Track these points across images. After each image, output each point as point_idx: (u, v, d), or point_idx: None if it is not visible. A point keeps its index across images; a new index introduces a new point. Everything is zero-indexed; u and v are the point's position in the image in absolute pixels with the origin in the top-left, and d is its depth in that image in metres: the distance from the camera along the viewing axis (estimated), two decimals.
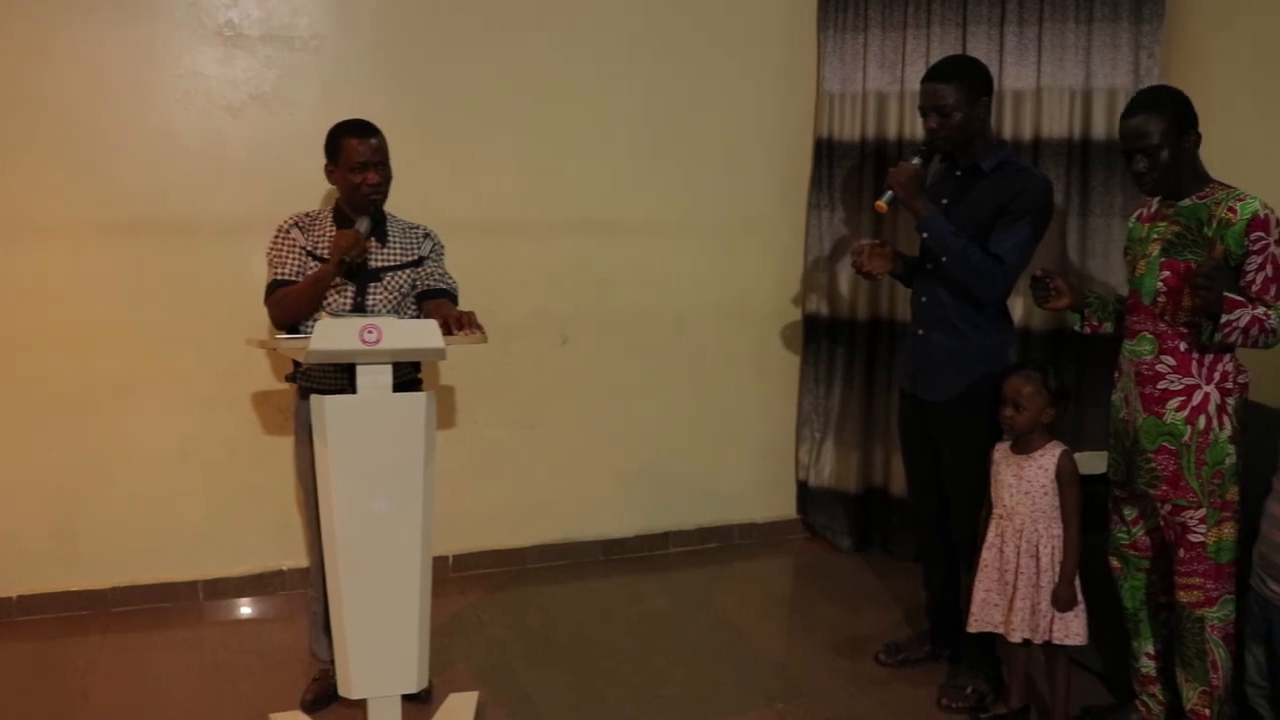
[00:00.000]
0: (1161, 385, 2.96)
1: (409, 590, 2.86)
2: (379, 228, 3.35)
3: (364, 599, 2.83)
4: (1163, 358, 2.96)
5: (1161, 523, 3.04)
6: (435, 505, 2.94)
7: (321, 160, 3.35)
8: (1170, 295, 2.94)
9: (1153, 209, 3.07)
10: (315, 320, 3.15)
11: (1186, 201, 2.94)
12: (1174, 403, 2.93)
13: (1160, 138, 2.86)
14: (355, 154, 3.25)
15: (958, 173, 3.45)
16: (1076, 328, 3.27)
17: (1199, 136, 2.92)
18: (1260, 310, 2.78)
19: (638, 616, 4.20)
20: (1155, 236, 3.00)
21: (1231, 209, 2.83)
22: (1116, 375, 3.13)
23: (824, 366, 4.84)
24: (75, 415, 4.04)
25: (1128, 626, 3.25)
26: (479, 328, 3.03)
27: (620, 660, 3.81)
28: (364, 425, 2.81)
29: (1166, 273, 2.95)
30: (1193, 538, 2.95)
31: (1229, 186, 2.91)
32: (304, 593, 3.83)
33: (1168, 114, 2.87)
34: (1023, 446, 3.24)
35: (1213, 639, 2.97)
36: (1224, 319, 2.76)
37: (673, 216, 4.69)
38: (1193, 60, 4.07)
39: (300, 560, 4.25)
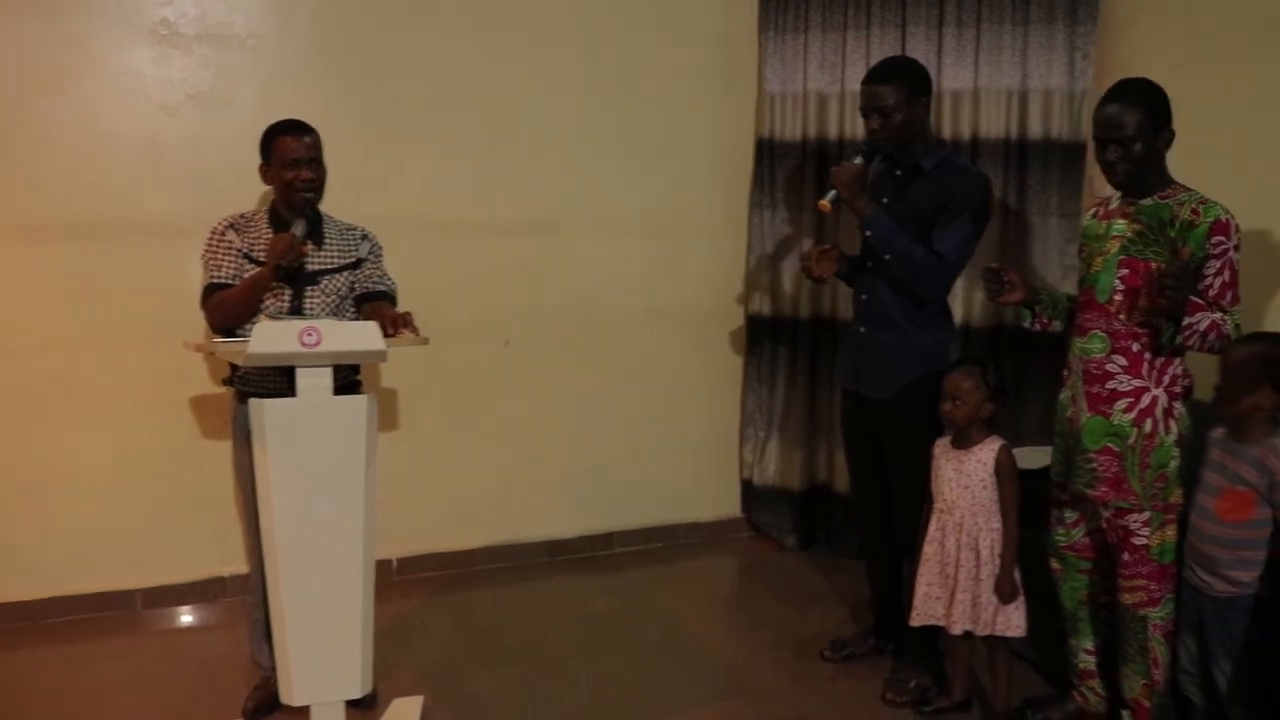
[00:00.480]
0: (1110, 385, 2.96)
1: (351, 594, 2.83)
2: (315, 230, 3.32)
3: (305, 604, 2.80)
4: (1114, 357, 2.96)
5: (1104, 525, 3.06)
6: (377, 508, 2.92)
7: (258, 158, 3.31)
8: (1127, 294, 2.93)
9: (1110, 206, 3.06)
10: (253, 323, 3.12)
11: (1148, 200, 2.93)
12: (1121, 404, 2.95)
13: (1135, 130, 2.84)
14: (288, 151, 3.23)
15: (898, 172, 3.47)
16: (1026, 324, 3.28)
17: (1172, 135, 2.90)
18: (1218, 315, 2.79)
19: (584, 617, 4.20)
20: (1114, 234, 2.99)
21: (1195, 211, 2.83)
22: (1065, 373, 3.14)
23: (767, 365, 4.86)
24: (7, 422, 3.96)
25: (1065, 625, 3.29)
26: (415, 329, 3.03)
27: (567, 661, 3.80)
28: (304, 429, 2.79)
29: (1125, 271, 2.94)
30: (1136, 540, 2.97)
31: (1190, 189, 2.91)
32: (244, 599, 3.78)
33: (1146, 106, 2.85)
34: (962, 441, 3.27)
35: (1155, 638, 3.01)
36: (1186, 321, 2.76)
37: (616, 216, 4.69)
38: (1126, 62, 4.13)
39: (240, 566, 4.18)
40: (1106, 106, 2.88)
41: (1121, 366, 2.94)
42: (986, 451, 3.23)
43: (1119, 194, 3.03)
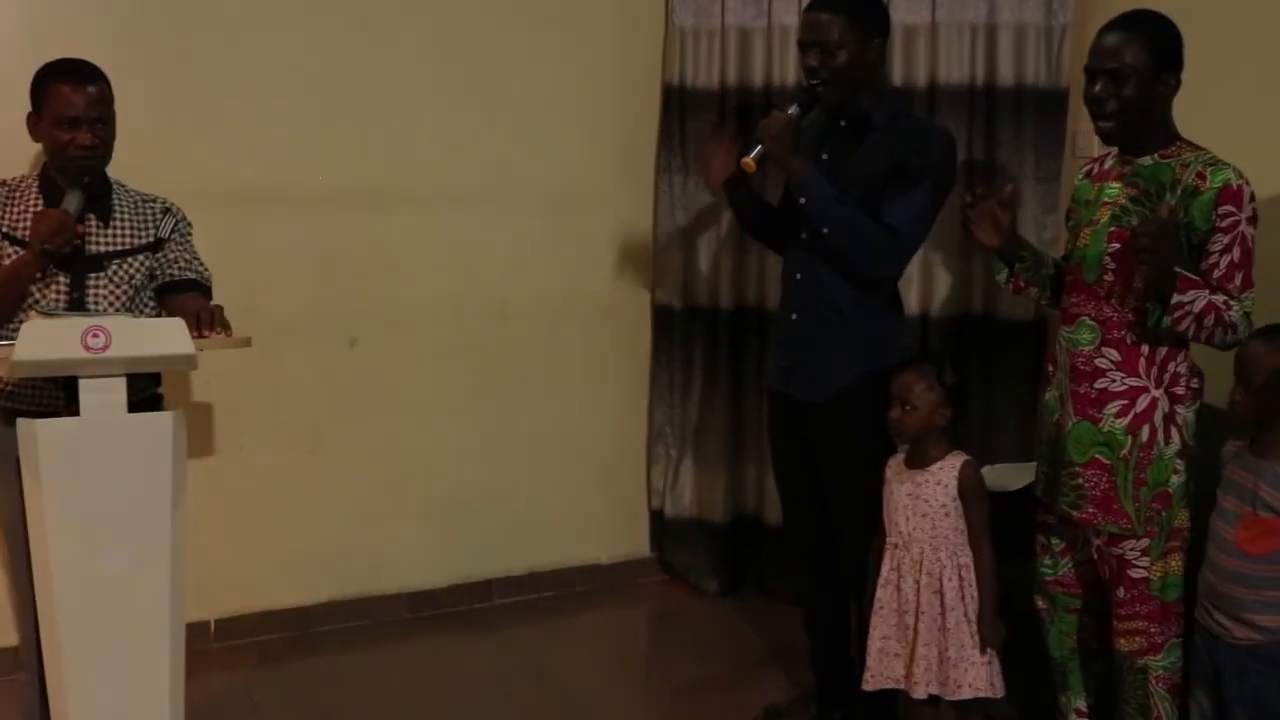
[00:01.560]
0: (1100, 384, 3.01)
1: (155, 668, 2.81)
2: (99, 202, 3.28)
3: (95, 682, 2.77)
4: (1104, 350, 3.00)
5: (1095, 555, 3.11)
6: (187, 557, 2.88)
7: (25, 109, 3.25)
8: (1119, 272, 2.97)
9: (1105, 165, 3.12)
10: (20, 321, 3.05)
11: (1147, 160, 2.98)
12: (1113, 406, 2.99)
13: (1133, 63, 2.88)
14: (65, 105, 3.18)
15: (842, 123, 3.50)
16: (1001, 280, 3.33)
17: (1178, 83, 2.95)
18: (1220, 298, 2.82)
19: (456, 687, 4.18)
20: (1106, 199, 3.03)
21: (1201, 174, 2.88)
22: (1050, 369, 3.19)
23: (679, 368, 4.88)
24: None
25: (1054, 678, 3.34)
26: (226, 326, 3.02)
27: None
28: (90, 456, 2.77)
29: (1115, 244, 2.98)
30: (1134, 573, 3.02)
31: (1200, 148, 2.95)
32: (13, 679, 3.67)
33: (1150, 41, 2.89)
34: (918, 459, 3.31)
35: (1158, 691, 3.06)
36: (1175, 299, 2.79)
37: (487, 185, 4.68)
38: None
39: (8, 636, 4.05)
40: (1105, 35, 2.94)
41: (1114, 362, 3.00)
42: (947, 470, 3.26)
43: (1115, 152, 3.08)
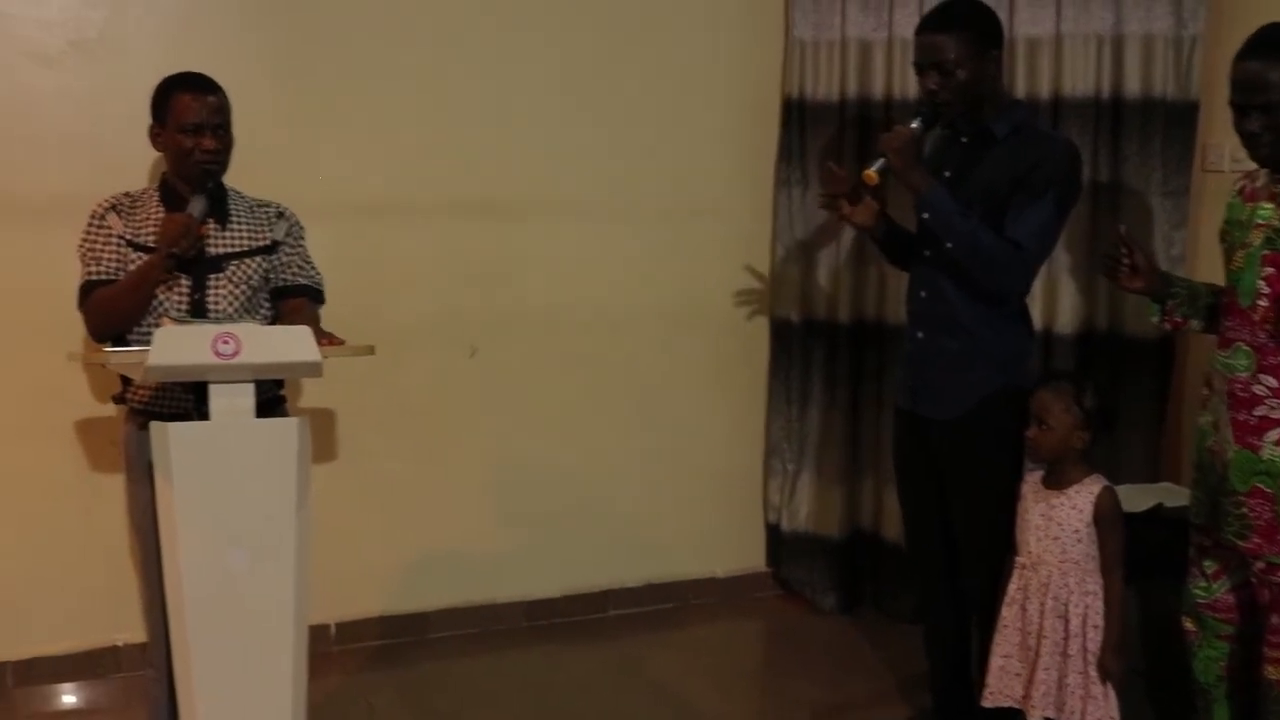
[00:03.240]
0: (1259, 411, 2.92)
1: (278, 669, 2.84)
2: (217, 206, 3.35)
3: (221, 681, 2.80)
4: (1261, 377, 2.91)
5: (1253, 579, 3.02)
6: (311, 560, 2.90)
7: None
8: (1274, 299, 2.88)
9: (1257, 183, 3.01)
10: (150, 326, 3.12)
11: None
12: (1274, 434, 2.91)
13: None
14: (187, 113, 3.26)
15: (964, 139, 3.47)
16: (1155, 320, 3.25)
17: None
18: None
19: (570, 696, 4.18)
20: (1259, 221, 2.93)
21: None
22: (1206, 393, 3.11)
23: (797, 382, 4.85)
24: None
25: (1197, 704, 3.25)
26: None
27: None
28: (219, 459, 2.80)
29: (1270, 269, 2.89)
30: None
31: None
32: (142, 674, 3.76)
33: None
34: (1055, 479, 3.26)
35: None
36: None
37: (606, 197, 4.69)
38: (1246, 3, 4.12)
39: (138, 633, 4.15)
40: (1245, 62, 2.83)
41: (1270, 389, 2.91)
42: (1084, 495, 3.21)
43: (1268, 169, 2.96)
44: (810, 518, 4.91)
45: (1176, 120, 4.24)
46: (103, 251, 3.28)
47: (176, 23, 4.08)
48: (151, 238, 3.25)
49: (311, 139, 4.23)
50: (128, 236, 3.29)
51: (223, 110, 3.32)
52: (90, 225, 3.31)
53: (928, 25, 3.37)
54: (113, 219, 3.31)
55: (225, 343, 2.72)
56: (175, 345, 2.74)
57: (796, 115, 4.71)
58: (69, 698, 4.15)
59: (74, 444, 4.13)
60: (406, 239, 4.42)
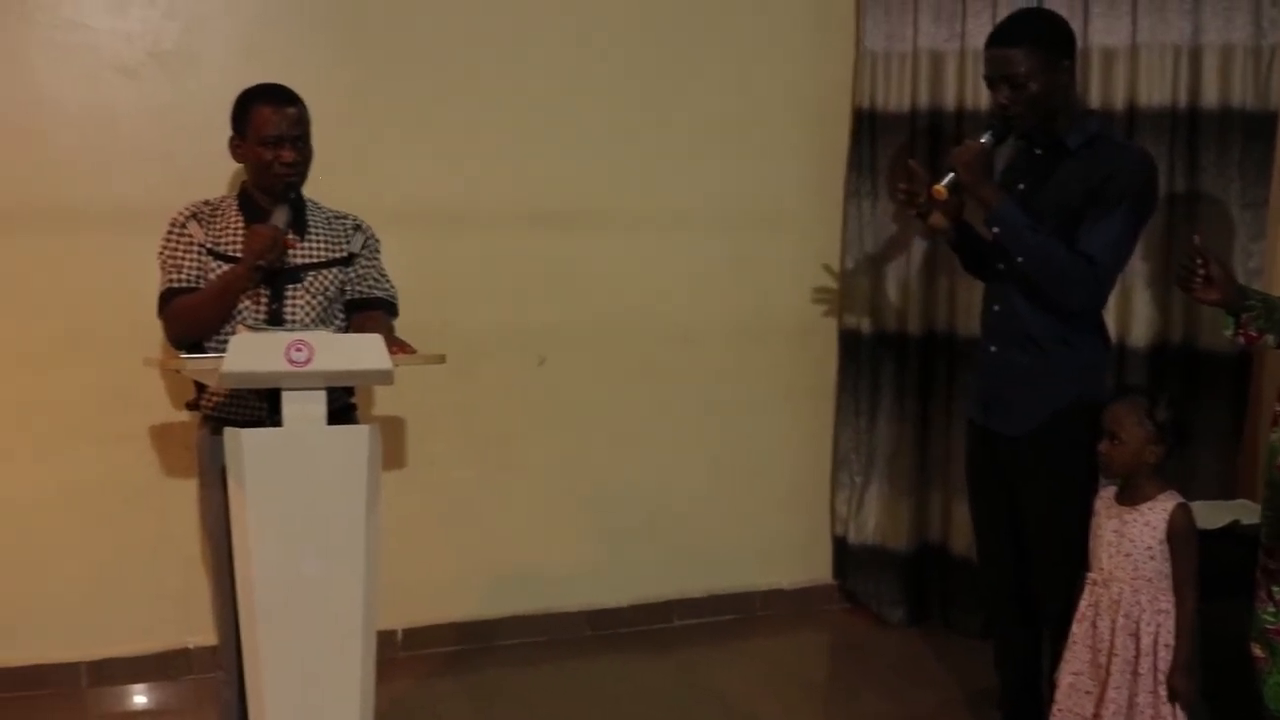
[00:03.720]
0: None
1: (347, 674, 2.85)
2: (297, 218, 3.37)
3: (290, 684, 2.81)
4: None
5: None
6: (380, 566, 2.91)
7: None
8: None
9: None
10: (226, 334, 3.16)
11: None
12: None
13: None
14: (268, 125, 3.29)
15: (1037, 150, 3.44)
16: (1228, 334, 3.19)
17: None
18: None
19: (635, 706, 4.18)
20: None
21: None
22: (1278, 408, 3.06)
23: (866, 394, 4.83)
24: None
25: None
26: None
27: None
28: (291, 465, 2.82)
29: None
30: None
31: None
32: (213, 677, 3.79)
33: None
34: (1129, 495, 3.22)
35: None
36: None
37: (675, 207, 4.69)
38: None
39: (209, 636, 4.19)
40: None
41: None
42: (1158, 511, 3.17)
43: None
44: (878, 530, 4.88)
45: (1255, 131, 4.19)
46: (183, 259, 3.32)
47: (252, 34, 4.13)
48: (231, 247, 3.28)
49: (382, 149, 4.27)
50: (208, 245, 3.32)
51: (302, 122, 3.34)
52: (171, 233, 3.35)
53: (998, 38, 3.34)
54: (193, 227, 3.34)
55: (298, 350, 2.74)
56: (249, 352, 2.76)
57: (867, 126, 4.69)
58: (140, 698, 4.19)
59: (148, 449, 4.18)
60: (477, 249, 4.44)
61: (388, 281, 3.51)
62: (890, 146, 4.66)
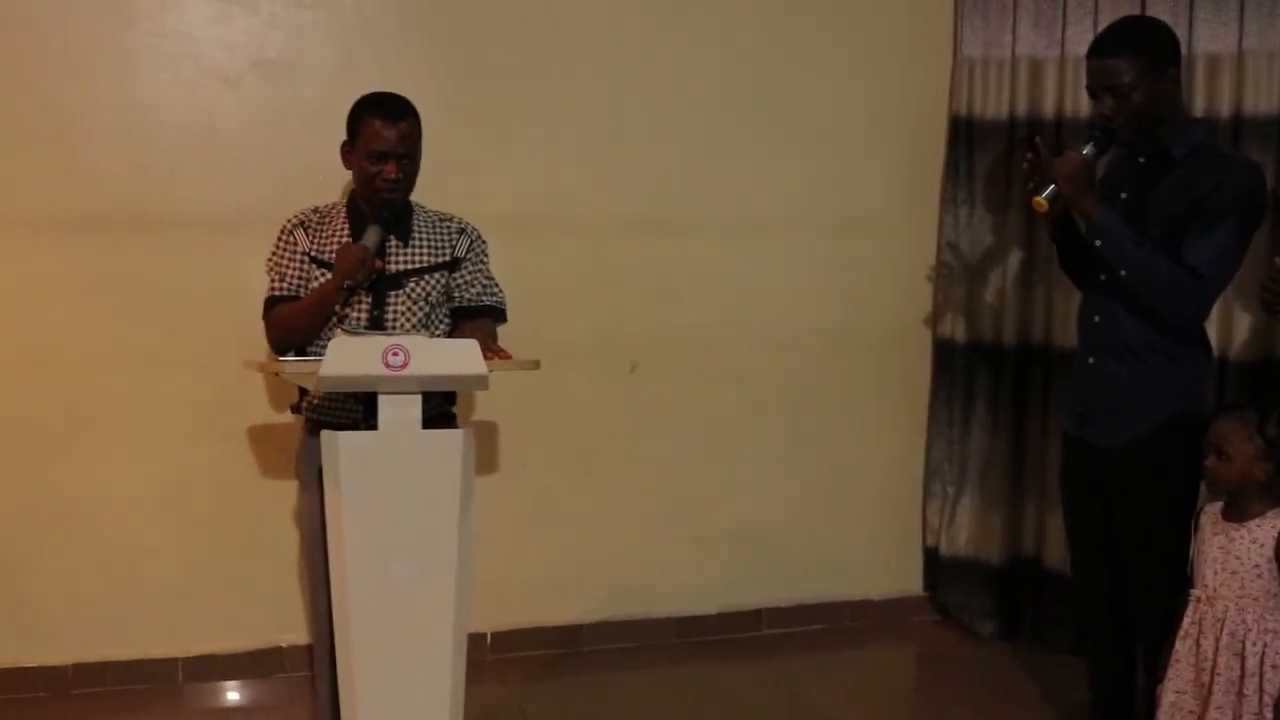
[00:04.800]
0: None
1: (438, 675, 2.87)
2: (400, 223, 3.38)
3: (382, 685, 2.83)
4: None
5: None
6: (472, 570, 2.93)
7: (338, 139, 3.37)
8: None
9: None
10: (327, 338, 3.18)
11: None
12: None
13: None
14: (376, 139, 3.28)
15: (1141, 159, 3.38)
16: None
17: None
18: None
19: (722, 714, 4.16)
20: None
21: None
22: None
23: (960, 404, 4.80)
24: (26, 454, 4.07)
25: None
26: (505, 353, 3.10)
27: None
28: (386, 468, 2.84)
29: None
30: None
31: None
32: (307, 676, 3.84)
33: None
34: (1236, 511, 3.16)
35: None
36: None
37: (768, 213, 4.68)
38: None
39: (302, 636, 4.25)
40: None
41: None
42: (1266, 529, 3.10)
43: None
44: (970, 542, 4.84)
45: None
46: (288, 268, 3.35)
47: (351, 45, 4.17)
48: (332, 256, 3.29)
49: (478, 156, 4.29)
50: (312, 253, 3.35)
51: (410, 137, 3.32)
52: (279, 240, 3.38)
53: (1100, 48, 3.29)
54: (300, 235, 3.37)
55: (395, 354, 2.76)
56: (347, 356, 2.78)
57: (964, 134, 4.66)
58: (234, 695, 4.24)
59: (246, 450, 4.23)
60: (570, 255, 4.46)
61: (495, 286, 3.51)
62: (988, 154, 4.62)
